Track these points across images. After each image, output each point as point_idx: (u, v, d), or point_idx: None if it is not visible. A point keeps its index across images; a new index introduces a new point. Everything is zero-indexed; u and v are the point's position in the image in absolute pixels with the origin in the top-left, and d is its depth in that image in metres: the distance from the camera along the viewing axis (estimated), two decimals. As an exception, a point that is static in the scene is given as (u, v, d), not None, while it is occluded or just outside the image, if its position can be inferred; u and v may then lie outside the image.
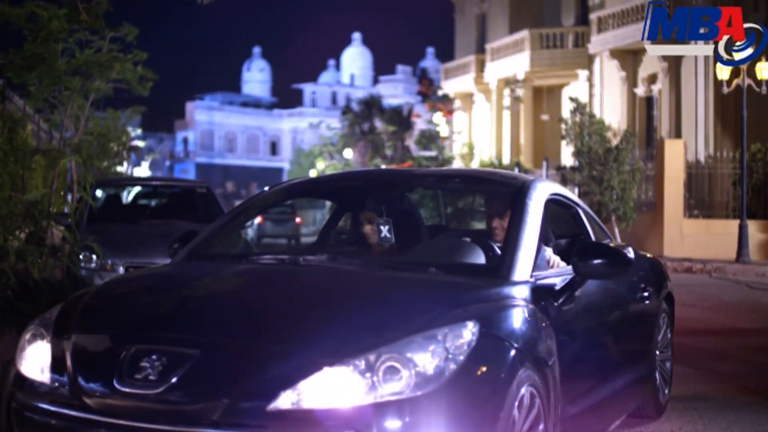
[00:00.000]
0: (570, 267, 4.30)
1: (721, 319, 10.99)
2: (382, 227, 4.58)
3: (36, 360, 3.55)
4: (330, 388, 3.10)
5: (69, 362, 3.42)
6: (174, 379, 3.18)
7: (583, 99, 28.25)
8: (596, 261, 4.16)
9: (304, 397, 3.09)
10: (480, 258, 4.30)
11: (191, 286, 4.01)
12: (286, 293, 3.77)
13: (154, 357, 3.25)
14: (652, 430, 5.30)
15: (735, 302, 13.07)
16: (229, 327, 3.43)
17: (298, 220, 32.67)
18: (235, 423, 3.09)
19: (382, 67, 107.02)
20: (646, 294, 5.45)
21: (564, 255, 4.76)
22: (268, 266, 4.33)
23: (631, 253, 4.25)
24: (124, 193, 13.74)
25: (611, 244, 4.37)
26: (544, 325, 3.78)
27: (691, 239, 20.63)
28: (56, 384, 3.42)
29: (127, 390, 3.22)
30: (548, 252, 4.69)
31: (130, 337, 3.42)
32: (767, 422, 5.75)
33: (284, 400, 3.09)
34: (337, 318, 3.42)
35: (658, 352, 5.66)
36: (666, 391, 5.84)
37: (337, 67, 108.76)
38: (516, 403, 3.37)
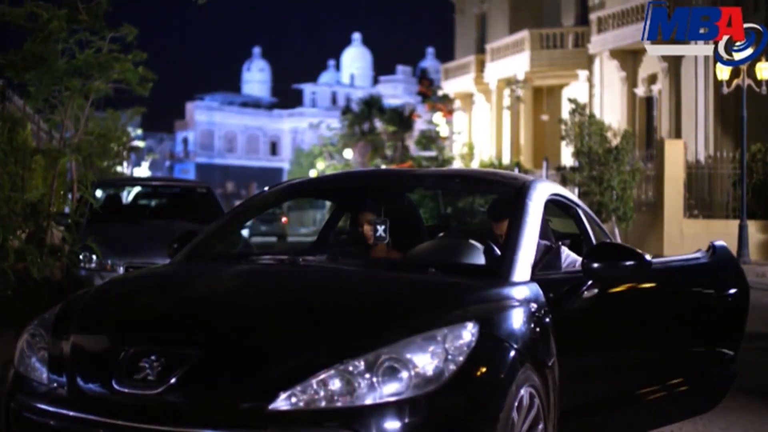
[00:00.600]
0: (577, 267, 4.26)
1: (721, 319, 10.93)
2: (377, 226, 4.58)
3: (35, 360, 3.55)
4: (330, 388, 3.10)
5: (68, 363, 3.42)
6: (173, 380, 3.17)
7: (583, 99, 28.26)
8: (610, 262, 4.06)
9: (304, 397, 3.08)
10: (480, 258, 4.28)
11: (191, 287, 4.00)
12: (285, 293, 3.76)
13: (153, 357, 3.24)
14: (653, 430, 5.28)
15: (735, 302, 13.02)
16: (228, 327, 3.42)
17: (284, 219, 34.72)
18: (235, 423, 3.08)
19: (382, 67, 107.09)
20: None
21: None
22: (267, 266, 4.32)
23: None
24: (124, 193, 13.75)
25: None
26: (544, 325, 3.76)
27: (691, 239, 20.58)
28: (55, 384, 3.42)
29: (126, 390, 3.21)
30: (566, 252, 4.61)
31: (129, 337, 3.42)
32: (767, 422, 5.74)
33: (284, 400, 3.08)
34: (336, 318, 3.42)
35: None
36: None
37: (337, 67, 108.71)
38: (515, 404, 3.36)
